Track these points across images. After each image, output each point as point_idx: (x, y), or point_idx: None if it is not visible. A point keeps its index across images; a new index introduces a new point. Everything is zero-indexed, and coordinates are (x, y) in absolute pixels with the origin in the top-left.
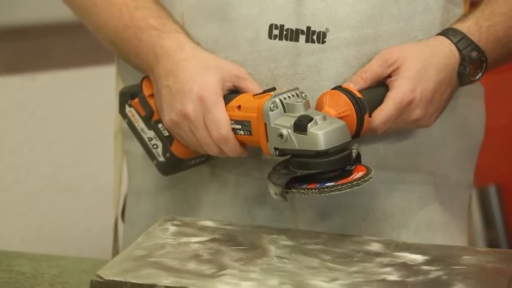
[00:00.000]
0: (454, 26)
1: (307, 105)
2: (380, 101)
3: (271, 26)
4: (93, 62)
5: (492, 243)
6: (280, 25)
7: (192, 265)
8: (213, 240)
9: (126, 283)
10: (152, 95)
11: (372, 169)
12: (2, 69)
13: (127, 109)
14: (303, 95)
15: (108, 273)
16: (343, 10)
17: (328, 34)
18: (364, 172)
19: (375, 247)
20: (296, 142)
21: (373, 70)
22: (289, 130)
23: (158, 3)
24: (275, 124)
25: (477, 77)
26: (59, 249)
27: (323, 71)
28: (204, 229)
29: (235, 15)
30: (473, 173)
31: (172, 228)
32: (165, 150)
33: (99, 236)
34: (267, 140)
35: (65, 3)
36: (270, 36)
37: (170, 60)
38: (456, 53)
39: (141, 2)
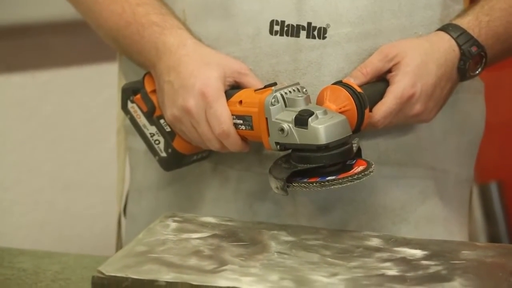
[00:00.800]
0: (454, 22)
1: (307, 100)
2: (380, 96)
3: (272, 22)
4: (94, 59)
5: (493, 239)
6: (281, 21)
7: (193, 261)
8: (213, 236)
9: (127, 278)
10: (154, 91)
11: (373, 163)
12: (3, 68)
13: (129, 105)
14: (304, 90)
15: (110, 269)
16: (344, 5)
17: (328, 30)
18: (364, 166)
19: (375, 242)
20: (297, 136)
21: (374, 65)
22: (290, 125)
23: None
24: (276, 119)
25: (477, 72)
26: (62, 246)
27: (324, 67)
28: (205, 225)
29: (236, 11)
30: (473, 168)
31: (173, 224)
32: (167, 145)
33: (101, 234)
34: (268, 135)
35: (68, 0)
36: (271, 32)
37: (172, 56)
38: (456, 48)
39: None
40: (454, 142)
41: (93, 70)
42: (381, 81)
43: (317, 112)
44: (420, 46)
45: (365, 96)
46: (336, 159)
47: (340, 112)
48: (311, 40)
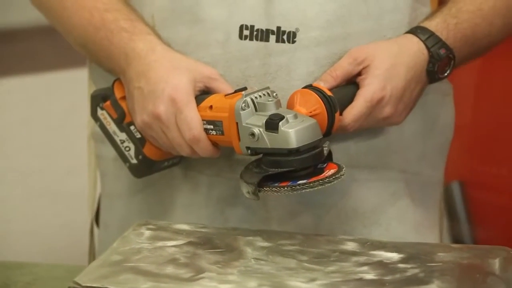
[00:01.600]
0: (422, 24)
1: (278, 104)
2: (350, 99)
3: (241, 27)
4: (60, 66)
5: (456, 239)
6: (251, 26)
7: (169, 269)
8: (189, 243)
9: None
10: (124, 98)
11: (344, 166)
12: None
13: (99, 112)
14: (274, 94)
15: (86, 280)
16: (312, 10)
17: (298, 34)
18: (335, 170)
19: (351, 246)
20: (268, 140)
21: (343, 68)
22: (261, 129)
23: (128, 5)
24: (246, 123)
25: (445, 74)
26: (32, 256)
27: (294, 71)
28: (179, 232)
29: (205, 17)
30: (443, 170)
31: (147, 233)
32: (138, 152)
33: (73, 242)
34: (239, 140)
35: (35, 6)
36: (240, 36)
37: (141, 62)
38: (425, 51)
39: (112, 4)
40: (424, 144)
41: (57, 77)
42: (351, 85)
43: (287, 116)
44: (389, 49)
45: (335, 100)
46: (307, 163)
47: (310, 116)
48: (280, 44)
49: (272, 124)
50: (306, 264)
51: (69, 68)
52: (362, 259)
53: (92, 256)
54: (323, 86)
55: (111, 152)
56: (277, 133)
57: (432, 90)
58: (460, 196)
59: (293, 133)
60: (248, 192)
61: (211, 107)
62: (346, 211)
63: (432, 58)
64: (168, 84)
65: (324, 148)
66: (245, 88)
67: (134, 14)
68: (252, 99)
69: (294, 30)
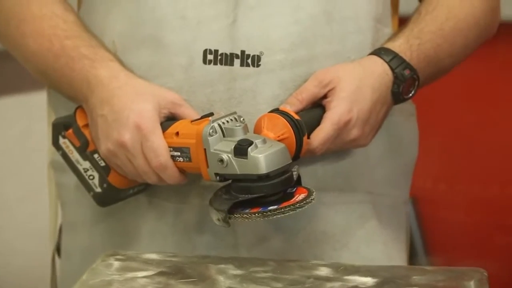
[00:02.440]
0: (386, 45)
1: (246, 129)
2: (317, 122)
3: (205, 51)
4: (10, 91)
5: (410, 254)
6: (215, 50)
7: None
8: (160, 273)
9: None
10: (86, 125)
11: (313, 190)
12: None
13: (61, 140)
14: (242, 119)
15: None
16: (276, 33)
17: (262, 57)
18: (305, 194)
19: (324, 271)
20: (237, 166)
21: (309, 90)
22: (230, 155)
23: (88, 31)
24: (214, 149)
25: (410, 95)
26: None
27: (259, 94)
28: (149, 262)
29: (167, 42)
30: (409, 190)
31: (116, 263)
32: (102, 180)
33: (33, 271)
34: (207, 166)
35: None
36: (204, 61)
37: (104, 89)
38: (389, 72)
39: (72, 31)
40: (389, 165)
41: (7, 101)
42: (317, 107)
43: (256, 141)
44: (354, 71)
45: (303, 123)
46: (277, 188)
47: (278, 140)
48: (245, 68)
49: (241, 150)
50: None
51: (24, 92)
52: (337, 284)
53: (54, 286)
54: (290, 109)
55: (72, 180)
56: (247, 158)
57: (397, 111)
58: (414, 213)
59: (263, 158)
60: (219, 219)
61: (177, 133)
62: (316, 234)
63: (397, 79)
64: (132, 111)
65: (294, 173)
66: (211, 114)
67: (95, 40)
68: (219, 125)
69: (258, 54)
